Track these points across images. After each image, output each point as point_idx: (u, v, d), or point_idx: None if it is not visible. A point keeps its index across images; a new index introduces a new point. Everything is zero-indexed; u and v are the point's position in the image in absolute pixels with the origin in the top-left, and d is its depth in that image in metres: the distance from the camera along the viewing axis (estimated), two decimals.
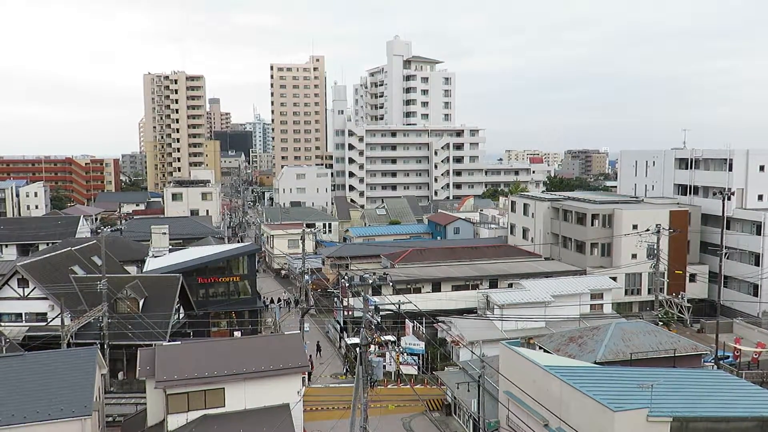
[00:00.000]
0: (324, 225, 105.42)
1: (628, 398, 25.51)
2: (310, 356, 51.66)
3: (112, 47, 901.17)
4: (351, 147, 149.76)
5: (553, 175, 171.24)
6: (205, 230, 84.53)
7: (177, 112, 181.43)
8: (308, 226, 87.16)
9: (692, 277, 63.07)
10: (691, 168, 69.87)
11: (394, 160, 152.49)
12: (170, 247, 67.11)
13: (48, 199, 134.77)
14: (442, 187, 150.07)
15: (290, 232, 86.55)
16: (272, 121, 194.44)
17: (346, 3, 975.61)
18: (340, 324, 56.33)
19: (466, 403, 37.28)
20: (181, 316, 50.34)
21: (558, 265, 64.91)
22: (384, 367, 41.75)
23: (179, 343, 36.68)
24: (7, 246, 77.39)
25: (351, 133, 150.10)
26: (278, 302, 68.95)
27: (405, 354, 47.03)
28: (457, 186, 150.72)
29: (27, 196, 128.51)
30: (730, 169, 63.86)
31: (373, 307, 29.45)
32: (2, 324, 45.27)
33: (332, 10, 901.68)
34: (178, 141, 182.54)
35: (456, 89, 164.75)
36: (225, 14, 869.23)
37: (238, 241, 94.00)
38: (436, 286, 58.22)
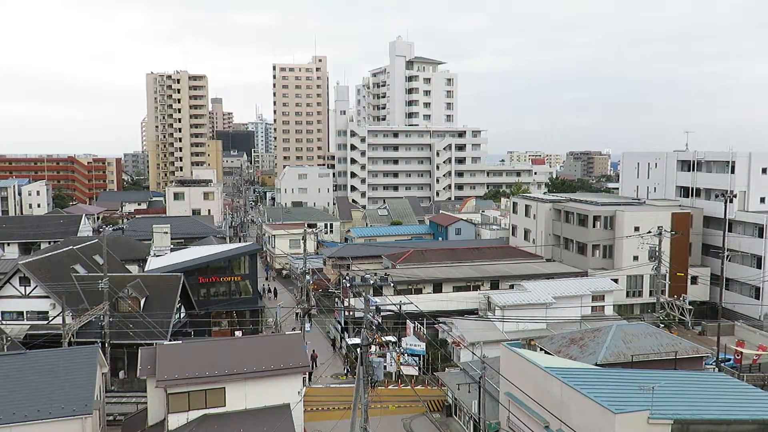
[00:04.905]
0: (325, 225, 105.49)
1: (629, 400, 25.48)
2: (314, 350, 51.77)
3: (113, 47, 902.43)
4: (353, 147, 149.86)
5: (554, 176, 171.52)
6: (206, 230, 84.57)
7: (179, 111, 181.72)
8: (310, 226, 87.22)
9: (694, 280, 62.97)
10: (693, 170, 69.77)
11: (396, 161, 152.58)
12: (172, 246, 67.19)
13: (50, 198, 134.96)
14: (443, 188, 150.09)
15: (292, 232, 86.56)
16: (274, 121, 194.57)
17: (346, 3, 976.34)
18: (341, 324, 56.35)
19: (466, 404, 37.25)
20: (182, 315, 50.35)
21: (559, 267, 64.82)
22: (385, 367, 41.66)
23: (180, 342, 36.69)
24: (9, 244, 77.53)
25: (353, 134, 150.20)
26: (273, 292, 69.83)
27: (406, 355, 47.03)
28: (459, 187, 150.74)
29: (29, 194, 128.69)
30: (733, 172, 63.76)
31: (374, 307, 29.40)
32: (4, 322, 45.31)
33: (332, 9, 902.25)
34: (180, 140, 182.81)
35: (458, 90, 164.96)
36: (225, 14, 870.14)
37: (239, 241, 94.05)
38: (438, 287, 58.17)
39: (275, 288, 75.64)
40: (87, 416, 28.10)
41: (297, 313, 57.71)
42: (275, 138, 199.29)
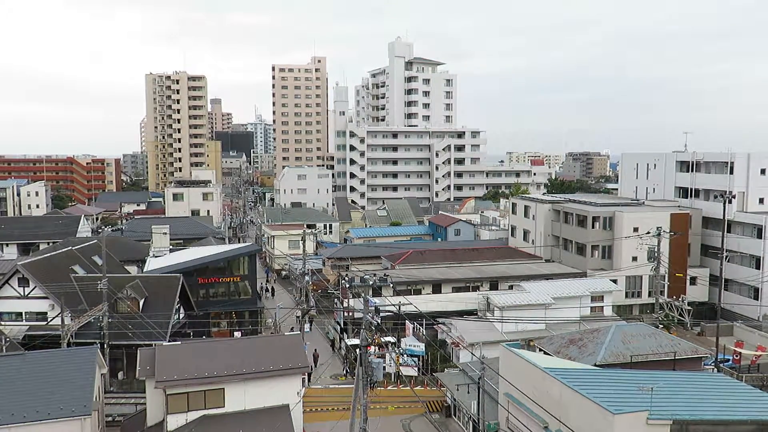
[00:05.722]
0: (325, 226, 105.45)
1: (628, 401, 25.50)
2: (315, 350, 51.76)
3: (112, 47, 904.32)
4: (352, 148, 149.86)
5: (554, 177, 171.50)
6: (205, 230, 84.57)
7: (178, 112, 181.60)
8: (309, 226, 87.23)
9: (693, 280, 63.03)
10: (692, 171, 69.82)
11: (395, 162, 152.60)
12: (171, 247, 67.17)
13: (49, 199, 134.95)
14: (443, 189, 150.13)
15: (291, 233, 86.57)
16: (273, 121, 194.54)
17: (346, 3, 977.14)
18: (340, 325, 56.35)
19: (465, 404, 37.26)
20: (182, 316, 50.34)
21: (558, 267, 64.86)
22: (384, 368, 41.66)
23: (179, 343, 36.66)
24: (8, 245, 77.44)
25: (352, 134, 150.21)
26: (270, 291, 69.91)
27: (405, 355, 47.01)
28: (458, 188, 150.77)
29: (28, 195, 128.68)
30: (731, 172, 63.83)
31: (373, 308, 29.40)
32: (2, 323, 45.30)
33: (332, 9, 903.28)
34: (179, 141, 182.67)
35: (457, 91, 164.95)
36: (224, 14, 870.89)
37: (238, 242, 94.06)
38: (437, 288, 58.21)
39: (272, 287, 75.79)
40: (86, 417, 28.08)
41: (297, 316, 57.74)
42: (274, 139, 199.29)
